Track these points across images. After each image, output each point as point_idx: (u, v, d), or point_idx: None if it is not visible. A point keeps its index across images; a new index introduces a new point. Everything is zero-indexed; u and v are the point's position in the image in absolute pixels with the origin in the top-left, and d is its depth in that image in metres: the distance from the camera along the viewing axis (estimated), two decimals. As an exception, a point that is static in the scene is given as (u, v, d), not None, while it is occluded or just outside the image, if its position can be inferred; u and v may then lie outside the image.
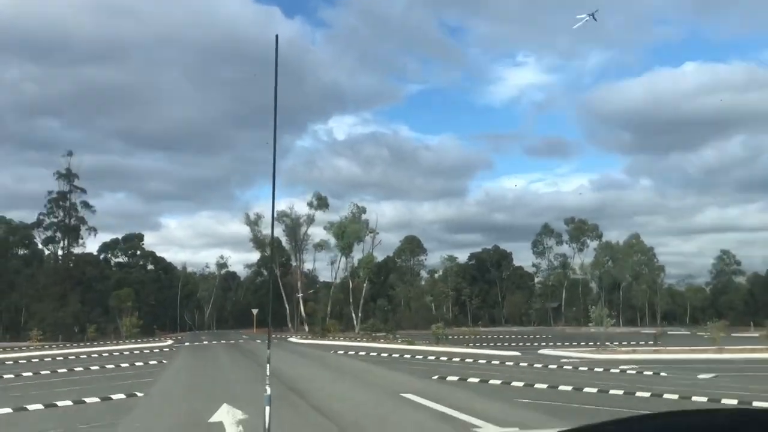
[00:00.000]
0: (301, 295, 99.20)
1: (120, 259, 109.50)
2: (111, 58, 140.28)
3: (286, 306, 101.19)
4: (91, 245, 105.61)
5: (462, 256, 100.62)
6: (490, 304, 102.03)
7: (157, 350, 42.02)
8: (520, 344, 49.32)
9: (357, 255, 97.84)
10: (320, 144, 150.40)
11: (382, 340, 49.61)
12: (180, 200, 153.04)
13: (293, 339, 55.14)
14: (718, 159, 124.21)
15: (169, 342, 51.10)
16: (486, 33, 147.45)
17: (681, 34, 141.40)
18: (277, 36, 5.30)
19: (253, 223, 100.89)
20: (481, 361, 30.10)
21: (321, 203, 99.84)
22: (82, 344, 54.01)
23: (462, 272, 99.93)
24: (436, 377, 20.79)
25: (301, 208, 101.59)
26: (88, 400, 16.08)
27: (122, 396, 16.75)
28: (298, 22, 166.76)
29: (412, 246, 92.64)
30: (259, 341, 50.91)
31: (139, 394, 17.13)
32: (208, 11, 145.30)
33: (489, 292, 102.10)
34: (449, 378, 20.43)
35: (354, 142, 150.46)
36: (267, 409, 4.61)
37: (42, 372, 25.57)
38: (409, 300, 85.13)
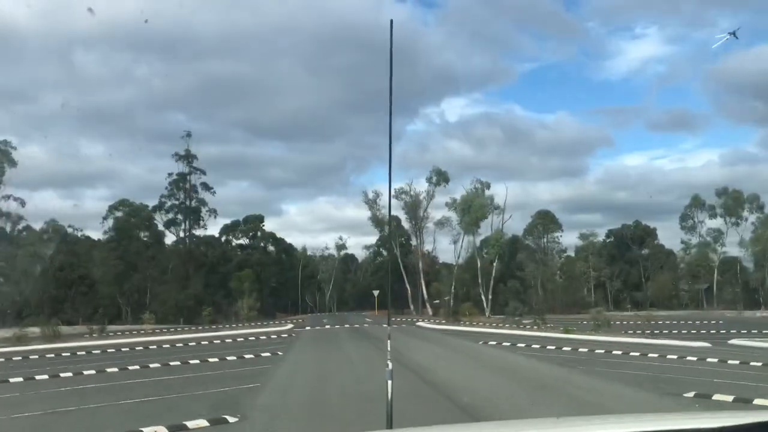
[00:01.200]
0: (423, 275, 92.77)
1: (241, 241, 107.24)
2: (231, 52, 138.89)
3: (408, 287, 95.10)
4: (212, 228, 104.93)
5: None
6: (631, 286, 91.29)
7: (275, 336, 36.50)
8: (693, 332, 40.29)
9: (482, 233, 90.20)
10: (432, 127, 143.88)
11: (528, 327, 41.97)
12: (299, 187, 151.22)
13: (422, 323, 48.51)
14: None
15: (289, 326, 45.82)
16: (604, 3, 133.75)
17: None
18: (392, 21, 5.07)
19: (372, 201, 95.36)
20: (671, 356, 21.92)
21: (441, 178, 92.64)
22: (199, 327, 50.11)
23: (598, 251, 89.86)
24: (671, 389, 13.19)
25: (421, 186, 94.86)
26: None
27: (203, 424, 10.30)
28: (409, 4, 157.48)
29: (546, 222, 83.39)
30: (385, 326, 44.77)
31: (231, 420, 10.69)
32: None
33: (630, 272, 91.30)
34: (702, 392, 12.77)
35: (466, 123, 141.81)
36: (389, 383, 4.34)
37: (108, 368, 20.00)
38: (546, 281, 76.46)
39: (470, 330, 41.07)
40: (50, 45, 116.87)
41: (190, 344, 31.38)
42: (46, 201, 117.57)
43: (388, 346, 5.58)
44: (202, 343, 32.13)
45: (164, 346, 30.91)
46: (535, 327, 40.60)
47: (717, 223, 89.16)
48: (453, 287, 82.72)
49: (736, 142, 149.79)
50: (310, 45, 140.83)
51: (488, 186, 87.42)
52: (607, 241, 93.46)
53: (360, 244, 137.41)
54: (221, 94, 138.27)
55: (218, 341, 33.39)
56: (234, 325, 50.88)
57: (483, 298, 69.93)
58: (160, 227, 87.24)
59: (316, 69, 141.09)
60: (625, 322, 45.71)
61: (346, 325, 46.05)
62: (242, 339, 34.54)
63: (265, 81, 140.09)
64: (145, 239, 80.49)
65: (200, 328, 48.19)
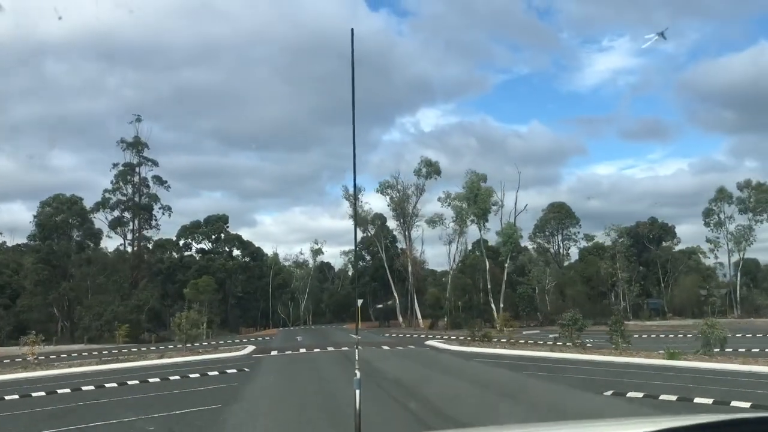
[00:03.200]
0: (411, 279, 78.64)
1: (202, 245, 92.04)
2: (204, 61, 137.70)
3: (395, 295, 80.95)
4: (168, 229, 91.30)
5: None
6: (648, 291, 78.22)
7: (217, 371, 21.94)
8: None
9: (471, 236, 76.54)
10: (408, 137, 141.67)
11: (594, 350, 28.00)
12: (273, 197, 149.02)
13: (438, 344, 33.68)
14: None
15: (248, 350, 31.28)
16: (576, 14, 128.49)
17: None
18: (352, 30, 4.86)
19: (353, 196, 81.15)
20: None
21: (431, 170, 78.89)
22: (114, 351, 34.99)
23: (610, 254, 76.69)
24: None
25: (408, 179, 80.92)
26: None
27: None
28: (384, 14, 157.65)
29: (560, 216, 69.67)
30: (386, 348, 30.53)
31: None
32: (294, 8, 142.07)
33: (647, 275, 78.22)
34: None
35: (441, 133, 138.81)
36: (357, 392, 4.19)
37: None
38: (563, 286, 62.79)
39: (512, 353, 27.08)
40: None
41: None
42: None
43: (356, 355, 5.15)
44: (59, 391, 17.60)
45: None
46: (614, 349, 26.77)
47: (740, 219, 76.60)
48: (447, 295, 68.60)
49: (705, 151, 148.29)
50: (284, 54, 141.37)
51: (484, 179, 74.06)
52: (620, 240, 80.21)
53: (336, 254, 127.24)
54: (194, 104, 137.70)
55: (113, 382, 18.84)
56: (178, 347, 36.20)
57: (492, 306, 55.93)
58: (105, 227, 71.81)
59: (290, 78, 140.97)
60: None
61: (329, 348, 31.64)
62: (156, 377, 20.08)
63: (239, 90, 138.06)
64: (78, 239, 64.91)
65: (115, 352, 33.02)
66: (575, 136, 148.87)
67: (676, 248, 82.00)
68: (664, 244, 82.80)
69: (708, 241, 76.62)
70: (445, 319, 62.23)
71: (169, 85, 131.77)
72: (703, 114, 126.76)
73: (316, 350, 29.87)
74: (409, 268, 79.79)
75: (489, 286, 56.58)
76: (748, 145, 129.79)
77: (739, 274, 78.61)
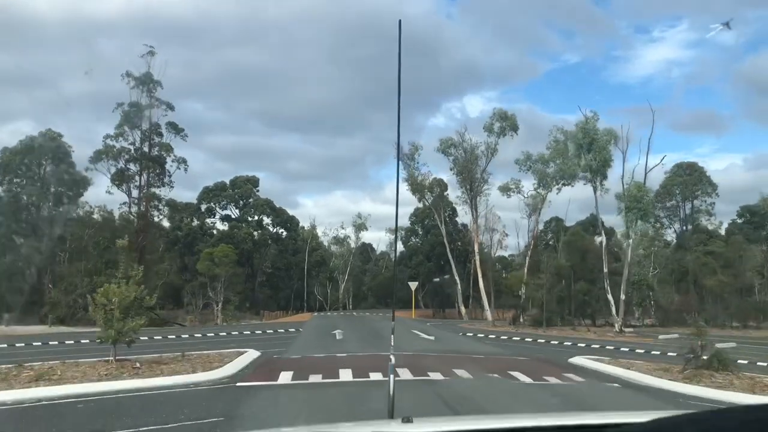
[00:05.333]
0: (477, 253, 62.08)
1: (227, 212, 76.96)
2: (250, 41, 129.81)
3: (457, 280, 64.68)
4: (186, 189, 77.19)
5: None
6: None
7: None
8: None
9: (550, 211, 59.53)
10: (453, 122, 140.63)
11: None
12: (316, 180, 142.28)
13: (603, 368, 16.29)
14: None
15: (233, 367, 15.11)
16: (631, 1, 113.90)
17: None
18: (400, 21, 4.46)
19: (409, 157, 64.98)
20: None
21: (507, 125, 62.21)
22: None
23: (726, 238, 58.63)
24: None
25: (477, 136, 64.22)
26: None
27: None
28: None
29: (691, 179, 51.14)
30: (518, 378, 14.15)
31: None
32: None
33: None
34: None
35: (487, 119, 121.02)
36: (391, 377, 4.21)
37: None
38: (701, 274, 45.28)
39: None
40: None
41: None
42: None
43: (392, 341, 5.08)
44: None
45: None
46: None
47: None
48: (525, 279, 51.76)
49: (760, 146, 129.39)
50: (331, 36, 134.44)
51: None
52: (738, 221, 61.48)
53: (378, 238, 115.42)
54: (240, 84, 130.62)
55: None
56: (104, 347, 20.80)
57: (611, 299, 39.04)
58: (105, 179, 56.93)
59: (336, 60, 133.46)
60: None
61: (393, 359, 16.13)
62: None
63: (285, 72, 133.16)
64: (61, 190, 49.76)
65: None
66: (624, 127, 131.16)
67: None
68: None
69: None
70: (521, 313, 45.60)
71: (214, 64, 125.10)
72: (759, 107, 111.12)
73: (371, 373, 13.61)
74: (476, 247, 63.32)
75: (606, 270, 39.54)
76: None
77: None
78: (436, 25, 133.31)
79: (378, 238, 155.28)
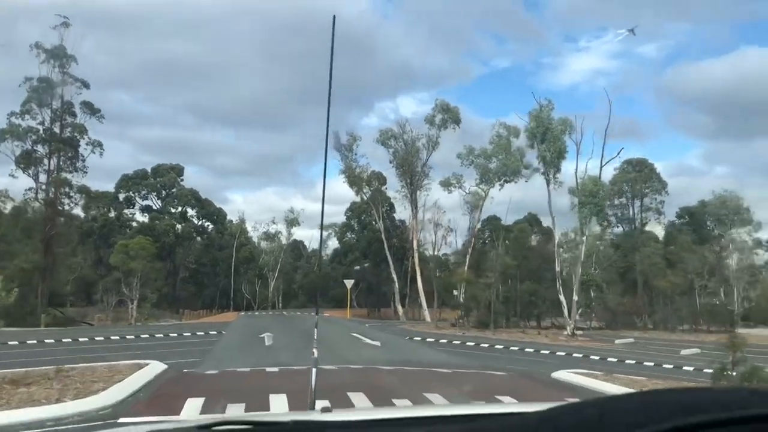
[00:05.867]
0: (416, 250, 58.93)
1: (149, 203, 71.01)
2: (182, 32, 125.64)
3: (394, 278, 61.27)
4: (99, 178, 69.94)
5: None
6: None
7: None
8: None
9: (488, 210, 57.19)
10: (387, 122, 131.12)
11: None
12: (247, 176, 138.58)
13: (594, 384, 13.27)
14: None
15: (102, 398, 10.92)
16: (560, 11, 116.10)
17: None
18: (334, 17, 4.16)
19: (346, 148, 61.15)
20: None
21: (449, 117, 59.53)
22: None
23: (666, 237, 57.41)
24: None
25: (417, 128, 61.05)
26: None
27: None
28: None
29: (642, 177, 48.53)
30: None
31: None
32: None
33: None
34: None
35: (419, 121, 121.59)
36: (314, 370, 4.27)
37: None
38: (644, 274, 42.79)
39: None
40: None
41: None
42: None
43: (315, 334, 4.92)
44: None
45: None
46: None
47: None
48: (464, 277, 48.83)
49: (679, 155, 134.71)
50: (265, 31, 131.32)
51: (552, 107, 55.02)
52: (678, 222, 60.12)
53: (310, 236, 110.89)
54: (170, 77, 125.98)
55: None
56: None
57: (563, 300, 36.37)
58: (9, 161, 50.77)
59: (271, 56, 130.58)
60: None
61: (350, 380, 12.00)
62: None
63: (218, 65, 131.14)
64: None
65: None
66: (578, 118, 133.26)
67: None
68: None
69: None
70: (465, 314, 42.55)
71: (143, 55, 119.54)
72: (679, 117, 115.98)
73: (316, 401, 9.95)
74: (415, 244, 60.15)
75: (558, 269, 36.86)
76: (722, 151, 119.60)
77: None
78: (371, 24, 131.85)
79: (310, 236, 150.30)
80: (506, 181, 56.70)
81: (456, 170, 57.94)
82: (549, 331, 37.71)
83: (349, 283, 53.39)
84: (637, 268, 43.95)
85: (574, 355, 22.52)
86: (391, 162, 60.75)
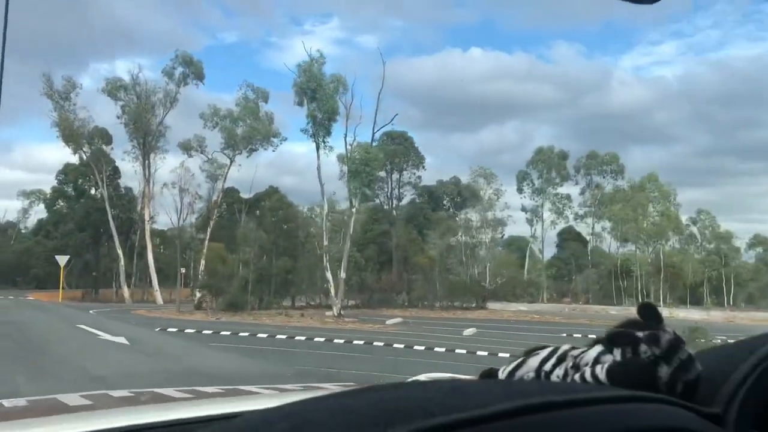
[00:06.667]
0: (148, 221, 50.76)
1: None
2: None
3: (120, 253, 51.87)
4: None
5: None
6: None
7: None
8: None
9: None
10: (100, 84, 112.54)
11: None
12: None
13: None
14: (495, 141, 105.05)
15: None
16: None
17: (474, 18, 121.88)
18: None
19: (62, 96, 49.82)
20: None
21: (191, 71, 52.41)
22: None
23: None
24: None
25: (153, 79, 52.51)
26: None
27: None
28: None
29: (401, 150, 46.03)
30: None
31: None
32: None
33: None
34: None
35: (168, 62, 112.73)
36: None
37: None
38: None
39: None
40: None
41: None
42: None
43: None
44: None
45: None
46: None
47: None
48: (250, 258, 42.98)
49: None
50: None
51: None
52: (416, 201, 60.91)
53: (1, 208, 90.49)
54: None
55: None
56: None
57: (329, 275, 32.62)
58: None
59: None
60: None
61: None
62: None
63: None
64: None
65: None
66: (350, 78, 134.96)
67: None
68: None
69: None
70: (213, 295, 36.72)
71: None
72: (392, 109, 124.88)
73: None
74: (146, 211, 51.74)
75: (326, 244, 32.91)
76: (429, 141, 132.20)
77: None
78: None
79: (3, 208, 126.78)
80: (252, 150, 51.79)
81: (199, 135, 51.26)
82: (311, 312, 33.79)
83: (62, 260, 43.55)
84: (393, 244, 42.26)
85: (375, 344, 18.66)
86: (119, 118, 51.31)
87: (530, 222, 62.49)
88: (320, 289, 37.68)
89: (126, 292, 50.65)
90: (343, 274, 32.58)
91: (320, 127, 32.31)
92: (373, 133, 32.93)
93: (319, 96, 31.93)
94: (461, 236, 50.57)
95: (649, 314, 0.84)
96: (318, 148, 32.87)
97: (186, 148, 50.96)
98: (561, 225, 63.33)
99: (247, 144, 51.83)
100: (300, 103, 32.61)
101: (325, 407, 0.70)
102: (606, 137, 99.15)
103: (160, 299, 48.72)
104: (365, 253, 42.60)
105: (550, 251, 64.40)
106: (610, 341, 0.84)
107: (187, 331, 20.84)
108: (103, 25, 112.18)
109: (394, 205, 48.26)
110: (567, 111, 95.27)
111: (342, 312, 31.99)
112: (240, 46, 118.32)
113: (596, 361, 0.85)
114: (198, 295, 44.88)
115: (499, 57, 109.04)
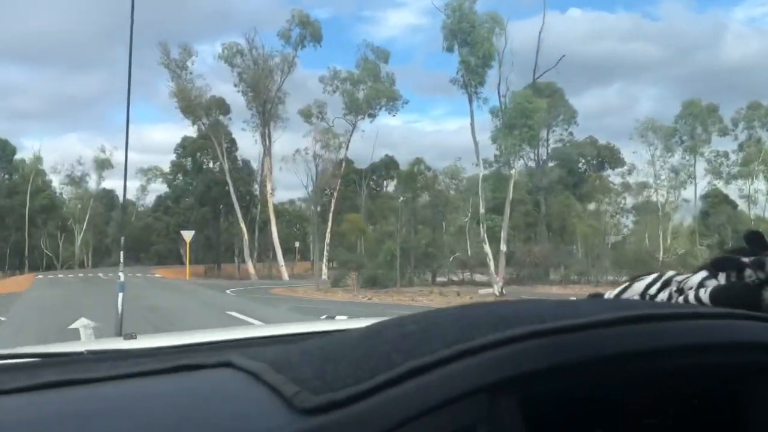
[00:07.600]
0: (271, 194, 48.18)
1: None
2: None
3: (243, 228, 49.68)
4: None
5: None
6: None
7: None
8: None
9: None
10: (205, 67, 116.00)
11: None
12: (45, 120, 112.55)
13: None
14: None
15: None
16: None
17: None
18: None
19: (179, 65, 47.68)
20: None
21: (309, 32, 48.64)
22: None
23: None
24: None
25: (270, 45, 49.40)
26: None
27: None
28: None
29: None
30: None
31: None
32: None
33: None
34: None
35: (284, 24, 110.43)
36: (120, 295, 4.26)
37: None
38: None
39: None
40: None
41: None
42: None
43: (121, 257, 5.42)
44: None
45: None
46: None
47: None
48: (399, 231, 39.35)
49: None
50: None
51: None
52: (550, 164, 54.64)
53: (120, 187, 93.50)
54: None
55: None
56: None
57: (488, 249, 28.13)
58: None
59: None
60: None
61: None
62: None
63: None
64: None
65: None
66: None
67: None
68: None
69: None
70: (357, 271, 32.67)
71: None
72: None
73: None
74: (269, 184, 49.09)
75: (483, 211, 28.27)
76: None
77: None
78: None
79: (122, 187, 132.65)
80: (372, 115, 47.92)
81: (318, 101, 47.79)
82: (463, 290, 29.45)
83: (188, 235, 41.32)
84: (541, 212, 37.11)
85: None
86: (236, 85, 48.63)
87: (674, 186, 55.10)
88: (469, 264, 33.21)
89: (251, 267, 48.36)
90: (503, 247, 27.88)
91: (474, 75, 27.47)
92: (534, 79, 27.77)
93: (473, 39, 27.05)
94: (608, 202, 44.72)
95: (756, 241, 0.84)
96: (470, 101, 28.10)
97: (306, 115, 47.72)
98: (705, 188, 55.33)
99: (368, 108, 48.09)
100: (449, 48, 27.88)
101: (447, 314, 0.79)
102: (718, 96, 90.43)
103: (286, 275, 46.07)
104: (512, 222, 37.64)
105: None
106: (715, 266, 0.84)
107: (356, 314, 16.94)
108: (205, 9, 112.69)
109: (542, 167, 42.71)
110: (675, 70, 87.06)
111: (504, 290, 27.44)
112: (333, 23, 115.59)
113: (700, 285, 0.85)
114: (325, 270, 41.79)
115: (601, 17, 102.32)
